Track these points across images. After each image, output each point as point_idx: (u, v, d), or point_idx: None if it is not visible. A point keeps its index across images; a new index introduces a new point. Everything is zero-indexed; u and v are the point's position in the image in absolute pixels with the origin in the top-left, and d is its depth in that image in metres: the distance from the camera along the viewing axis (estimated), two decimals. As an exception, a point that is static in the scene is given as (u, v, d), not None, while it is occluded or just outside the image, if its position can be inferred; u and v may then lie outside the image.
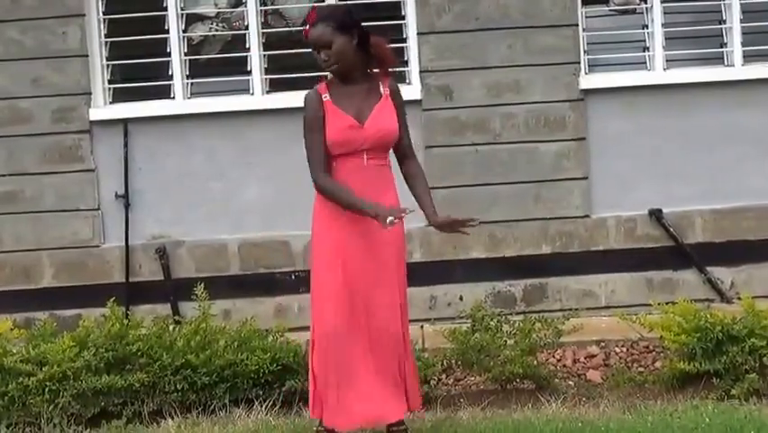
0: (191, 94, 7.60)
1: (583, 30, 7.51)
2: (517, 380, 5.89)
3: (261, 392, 5.70)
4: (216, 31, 7.70)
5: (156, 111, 7.54)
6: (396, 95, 4.78)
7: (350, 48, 4.61)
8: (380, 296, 4.70)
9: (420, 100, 7.41)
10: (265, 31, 7.59)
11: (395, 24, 7.48)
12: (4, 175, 7.48)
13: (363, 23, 4.74)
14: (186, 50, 7.58)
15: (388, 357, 4.72)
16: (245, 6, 7.54)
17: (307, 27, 4.65)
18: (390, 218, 4.38)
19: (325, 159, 4.65)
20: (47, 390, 5.53)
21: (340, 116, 4.61)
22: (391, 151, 4.82)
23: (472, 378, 6.09)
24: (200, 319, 5.88)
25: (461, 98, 7.42)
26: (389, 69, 4.83)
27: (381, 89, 4.74)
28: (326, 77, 4.86)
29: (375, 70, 4.79)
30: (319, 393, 4.70)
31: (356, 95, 4.69)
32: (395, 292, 4.77)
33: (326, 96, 4.65)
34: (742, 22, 7.52)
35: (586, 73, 7.51)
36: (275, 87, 7.56)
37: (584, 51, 7.52)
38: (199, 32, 7.68)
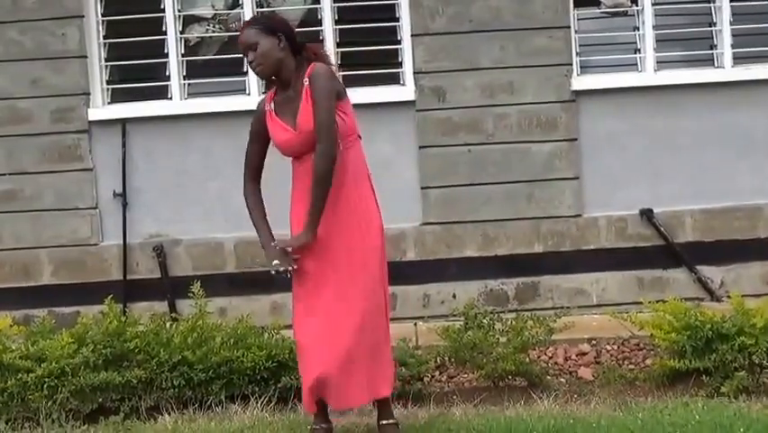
0: (188, 94, 7.63)
1: (575, 32, 7.54)
2: (510, 377, 5.90)
3: (257, 389, 5.70)
4: (213, 32, 7.73)
5: (154, 111, 7.57)
6: (314, 79, 4.54)
7: (275, 50, 4.57)
8: (357, 279, 4.66)
9: (414, 101, 7.45)
10: (261, 32, 7.63)
11: (389, 26, 7.51)
12: (3, 174, 7.51)
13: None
14: (183, 52, 7.61)
15: (368, 340, 4.66)
16: (241, 8, 7.58)
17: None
18: (275, 263, 4.56)
19: (258, 166, 4.86)
20: (45, 386, 5.55)
21: (279, 125, 4.66)
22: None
23: (465, 375, 6.10)
24: (197, 317, 5.90)
25: (454, 99, 7.46)
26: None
27: (304, 84, 4.59)
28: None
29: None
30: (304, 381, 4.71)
31: (292, 100, 4.64)
32: (369, 275, 4.69)
33: (270, 106, 4.71)
34: (732, 24, 7.56)
35: (578, 74, 7.55)
36: (271, 87, 7.55)
37: (576, 53, 7.55)
38: (196, 33, 7.71)
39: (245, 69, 7.50)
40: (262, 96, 4.84)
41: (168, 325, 6.06)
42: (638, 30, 7.64)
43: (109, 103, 7.63)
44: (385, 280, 4.80)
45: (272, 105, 4.71)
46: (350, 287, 4.63)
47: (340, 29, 7.51)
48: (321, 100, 4.51)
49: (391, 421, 4.91)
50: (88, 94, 7.51)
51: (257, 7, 7.60)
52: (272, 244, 4.72)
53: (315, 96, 4.52)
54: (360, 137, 4.73)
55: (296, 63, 4.65)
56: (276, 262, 4.53)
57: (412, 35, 7.48)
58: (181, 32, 7.62)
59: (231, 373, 5.69)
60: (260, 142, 4.81)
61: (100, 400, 5.64)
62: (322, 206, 4.55)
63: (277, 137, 4.67)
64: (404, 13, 7.50)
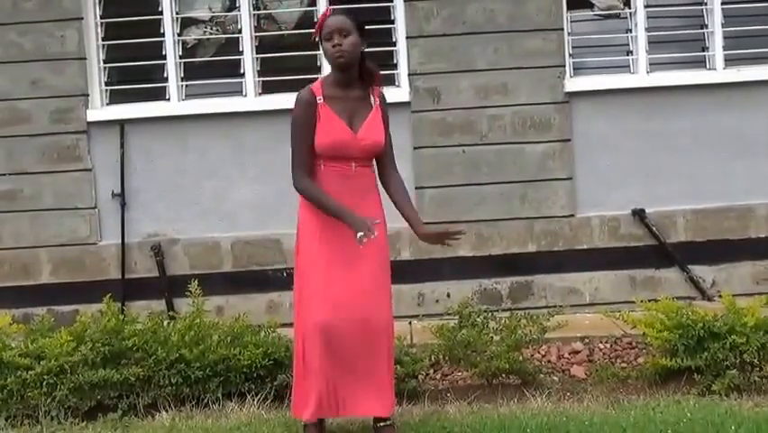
0: (186, 96, 7.65)
1: (568, 34, 7.58)
2: (503, 375, 5.90)
3: (254, 386, 5.71)
4: (211, 34, 7.73)
5: (152, 112, 7.59)
6: (384, 106, 4.79)
7: (359, 47, 4.63)
8: (367, 293, 4.70)
9: (409, 102, 7.48)
10: (258, 34, 7.64)
11: (384, 28, 7.53)
12: (3, 174, 7.54)
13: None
14: (181, 53, 7.64)
15: (373, 353, 4.73)
16: (239, 10, 7.60)
17: (321, 19, 4.64)
18: (360, 235, 4.43)
19: (309, 161, 4.66)
20: (45, 383, 5.56)
21: (334, 121, 4.61)
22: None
23: (459, 373, 6.12)
24: (194, 315, 5.90)
25: (448, 100, 7.49)
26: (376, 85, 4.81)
27: (372, 100, 4.75)
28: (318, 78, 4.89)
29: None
30: (306, 388, 4.75)
31: (350, 100, 4.68)
32: (380, 290, 4.78)
33: (320, 99, 4.63)
34: (723, 26, 7.60)
35: (571, 76, 7.58)
36: (267, 89, 7.62)
37: (569, 55, 7.59)
38: (194, 35, 7.73)
39: (242, 71, 7.57)
40: (305, 90, 4.69)
41: (165, 323, 6.06)
42: (631, 32, 7.67)
43: (108, 104, 7.66)
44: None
45: (322, 97, 4.65)
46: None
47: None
48: (389, 132, 4.82)
49: (388, 422, 4.93)
50: (87, 95, 7.53)
51: (254, 9, 7.64)
52: (365, 218, 4.55)
53: (386, 122, 4.79)
54: None
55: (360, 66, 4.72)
56: (360, 235, 4.44)
57: (407, 37, 7.50)
58: (179, 34, 7.65)
59: (228, 371, 5.69)
60: (311, 136, 4.63)
61: (98, 397, 5.64)
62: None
63: (329, 130, 4.62)
64: (399, 15, 7.53)
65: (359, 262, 4.64)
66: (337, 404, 4.74)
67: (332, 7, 4.73)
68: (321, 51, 4.99)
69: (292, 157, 4.69)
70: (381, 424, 4.91)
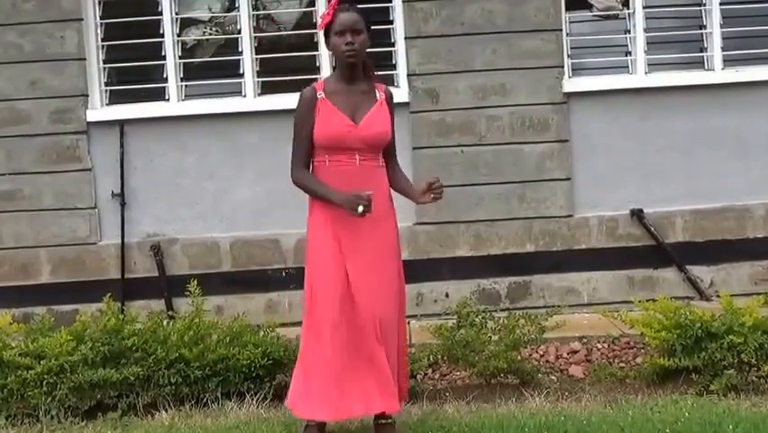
0: (185, 96, 7.66)
1: (567, 34, 7.59)
2: (502, 375, 5.92)
3: (253, 386, 5.74)
4: (210, 35, 7.74)
5: (151, 113, 7.60)
6: (390, 102, 4.85)
7: (367, 45, 4.71)
8: (376, 288, 4.72)
9: (408, 103, 7.48)
10: (257, 35, 7.65)
11: (383, 29, 7.50)
12: (3, 174, 7.55)
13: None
14: (180, 54, 7.65)
15: (383, 349, 4.72)
16: (238, 11, 7.61)
17: (331, 11, 4.65)
18: (360, 208, 4.44)
19: (307, 156, 4.71)
20: (45, 382, 5.58)
21: (334, 113, 4.64)
22: None
23: (458, 373, 6.13)
24: (193, 315, 5.93)
25: (447, 101, 7.49)
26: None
27: (378, 94, 4.80)
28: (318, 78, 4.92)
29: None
30: (306, 386, 4.74)
31: (354, 94, 4.72)
32: (389, 285, 4.79)
33: (321, 94, 4.68)
34: (722, 27, 7.61)
35: (569, 77, 7.59)
36: (267, 89, 7.62)
37: (568, 55, 7.59)
38: (193, 36, 7.74)
39: (241, 72, 7.58)
40: (308, 87, 4.75)
41: (165, 323, 6.08)
42: (629, 32, 7.68)
43: (107, 104, 7.66)
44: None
45: (323, 93, 4.69)
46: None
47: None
48: (394, 127, 4.89)
49: (389, 421, 4.95)
50: (87, 95, 7.54)
51: (253, 10, 7.64)
52: (354, 193, 4.56)
53: (392, 118, 4.86)
54: None
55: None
56: (361, 208, 4.46)
57: (406, 38, 7.51)
58: (178, 35, 7.66)
59: (227, 371, 5.71)
60: (308, 131, 4.68)
61: (98, 396, 5.67)
62: None
63: (328, 122, 4.65)
64: (398, 15, 7.53)
65: (370, 257, 4.71)
66: (339, 406, 4.71)
67: (345, 5, 4.72)
68: (319, 52, 4.98)
69: (292, 151, 4.75)
70: (382, 422, 4.93)
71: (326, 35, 4.73)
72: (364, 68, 4.80)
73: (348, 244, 4.68)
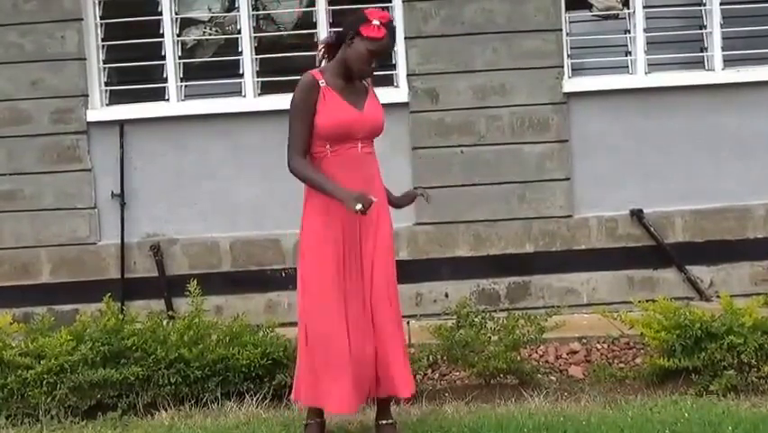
0: (185, 96, 7.66)
1: (567, 34, 7.58)
2: (501, 375, 5.93)
3: (252, 386, 5.73)
4: (210, 35, 7.75)
5: (151, 113, 7.60)
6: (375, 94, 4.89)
7: None
8: (375, 274, 4.77)
9: (407, 103, 7.49)
10: (257, 35, 7.66)
11: (383, 29, 7.55)
12: (3, 174, 7.55)
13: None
14: (180, 54, 7.65)
15: (382, 339, 4.78)
16: (238, 11, 7.61)
17: (384, 31, 4.61)
18: (359, 206, 4.41)
19: (305, 144, 4.65)
20: (45, 382, 5.58)
21: (340, 102, 4.63)
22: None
23: (457, 373, 6.14)
24: (193, 315, 5.92)
25: (447, 101, 7.49)
26: None
27: (365, 84, 4.83)
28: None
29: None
30: (308, 377, 4.73)
31: (351, 84, 4.72)
32: (382, 280, 4.82)
33: (323, 82, 4.65)
34: (722, 27, 7.60)
35: (569, 77, 7.59)
36: (266, 89, 7.63)
37: (568, 55, 7.59)
38: (193, 36, 7.75)
39: (241, 72, 7.58)
40: (307, 74, 4.70)
41: (165, 323, 6.08)
42: (629, 33, 7.68)
43: (107, 104, 7.67)
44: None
45: (324, 81, 4.66)
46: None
47: (335, 31, 7.52)
48: None
49: (390, 421, 4.96)
50: (87, 95, 7.55)
51: (253, 10, 7.64)
52: (359, 193, 4.52)
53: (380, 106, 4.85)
54: None
55: None
56: (359, 206, 4.41)
57: (405, 37, 7.50)
58: (178, 35, 7.67)
59: (226, 371, 5.71)
60: (309, 118, 4.62)
61: (98, 396, 5.66)
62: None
63: (336, 111, 4.62)
64: (397, 15, 7.52)
65: (364, 258, 4.74)
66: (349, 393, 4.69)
67: (392, 28, 4.71)
68: (317, 54, 4.96)
69: (288, 139, 4.68)
70: (383, 422, 4.94)
71: (354, 35, 4.65)
72: None
73: (342, 246, 4.69)
